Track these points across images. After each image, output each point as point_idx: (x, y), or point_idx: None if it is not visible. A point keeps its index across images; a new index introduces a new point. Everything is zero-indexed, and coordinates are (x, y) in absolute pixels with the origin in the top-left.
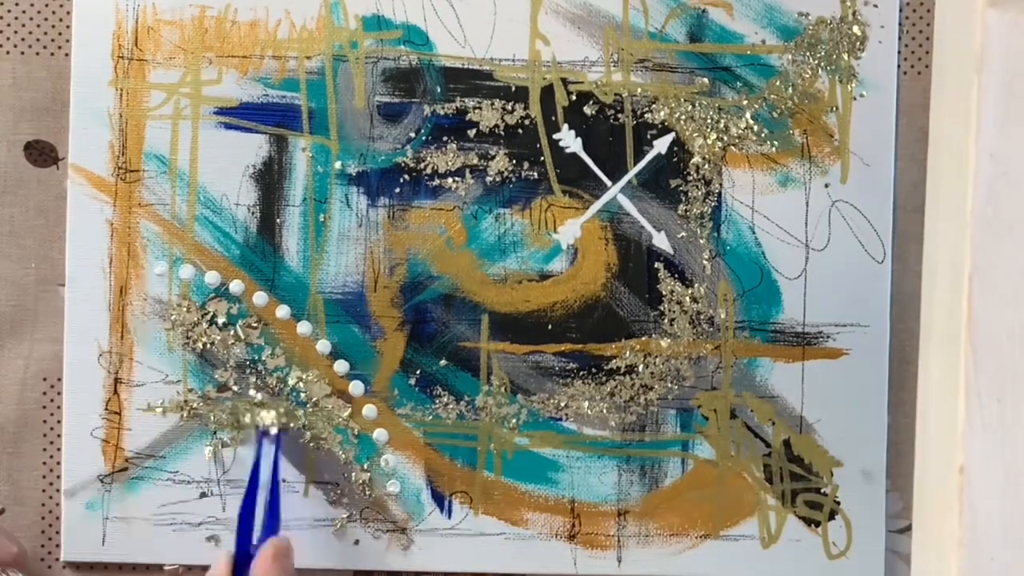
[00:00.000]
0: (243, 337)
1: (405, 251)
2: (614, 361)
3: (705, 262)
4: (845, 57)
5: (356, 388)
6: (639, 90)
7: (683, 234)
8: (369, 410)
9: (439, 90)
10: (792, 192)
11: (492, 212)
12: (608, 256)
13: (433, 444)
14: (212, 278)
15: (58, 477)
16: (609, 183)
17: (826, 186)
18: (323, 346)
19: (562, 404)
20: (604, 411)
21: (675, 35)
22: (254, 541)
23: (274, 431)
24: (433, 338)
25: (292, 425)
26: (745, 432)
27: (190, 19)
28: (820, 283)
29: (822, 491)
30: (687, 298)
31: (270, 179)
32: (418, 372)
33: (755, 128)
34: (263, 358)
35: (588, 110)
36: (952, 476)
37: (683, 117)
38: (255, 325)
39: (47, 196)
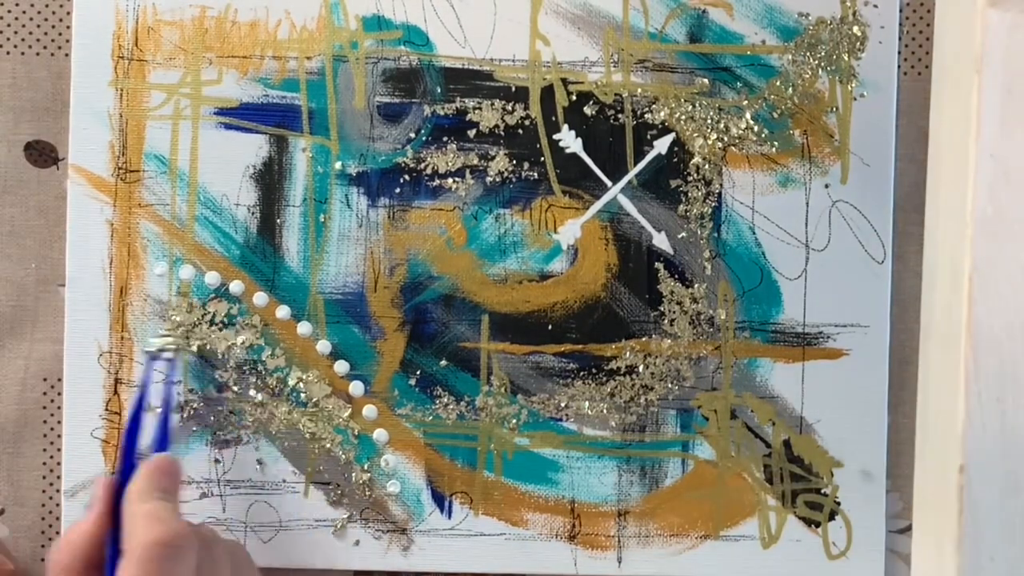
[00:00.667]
0: (243, 338)
1: (405, 251)
2: (614, 361)
3: (705, 262)
4: (845, 57)
5: (356, 388)
6: (639, 90)
7: (683, 234)
8: (369, 410)
9: (439, 90)
10: (792, 192)
11: (492, 212)
12: (608, 256)
13: (433, 444)
14: (212, 278)
15: (58, 477)
16: (609, 183)
17: (826, 186)
18: (323, 346)
19: (562, 404)
20: (604, 411)
21: (675, 35)
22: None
23: (167, 356)
24: (433, 338)
25: (182, 352)
26: (745, 432)
27: (190, 19)
28: (820, 283)
29: (822, 491)
30: (687, 298)
31: (270, 179)
32: (418, 372)
33: (755, 128)
34: (263, 358)
35: (588, 110)
36: (952, 476)
37: (683, 117)
38: (255, 325)
39: (47, 196)
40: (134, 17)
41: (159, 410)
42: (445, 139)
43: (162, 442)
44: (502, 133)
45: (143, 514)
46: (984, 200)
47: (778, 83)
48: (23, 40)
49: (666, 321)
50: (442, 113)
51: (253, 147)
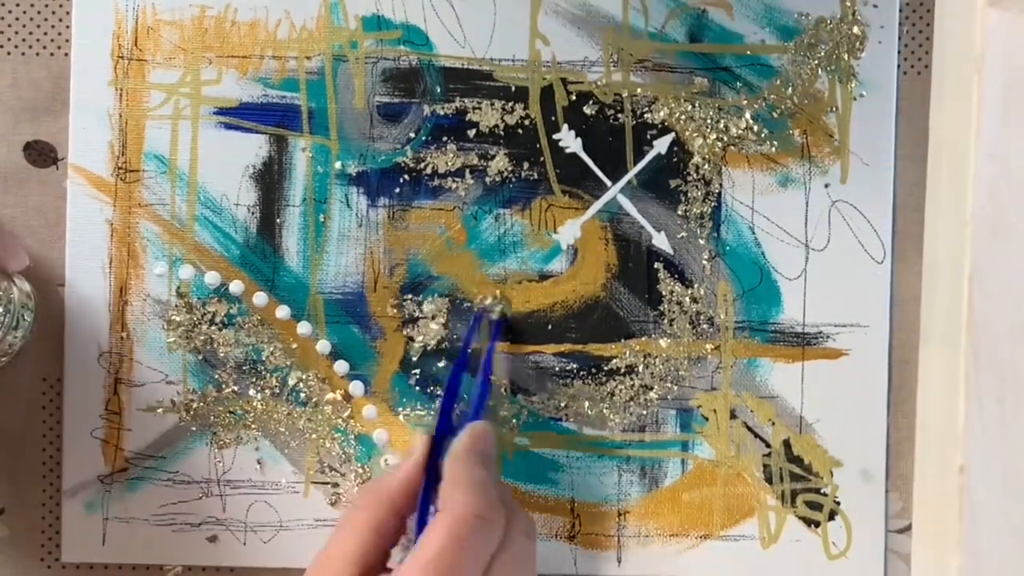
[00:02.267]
0: (243, 338)
1: (405, 251)
2: (614, 361)
3: (705, 262)
4: (845, 57)
5: (356, 388)
6: (639, 90)
7: (683, 234)
8: (369, 411)
9: (439, 90)
10: (792, 192)
11: (492, 212)
12: (608, 256)
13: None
14: (212, 278)
15: (58, 477)
16: (609, 183)
17: (826, 186)
18: (323, 346)
19: (562, 404)
20: (604, 411)
21: (675, 35)
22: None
23: (494, 317)
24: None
25: (508, 315)
26: (745, 432)
27: (190, 19)
28: (820, 283)
29: (822, 491)
30: (687, 298)
31: (270, 179)
32: (418, 372)
33: (755, 128)
34: (263, 358)
35: (588, 110)
36: (952, 476)
37: (683, 117)
38: (255, 325)
39: (47, 196)
40: (133, 17)
41: (478, 376)
42: (445, 139)
43: (478, 409)
44: (502, 133)
45: (467, 481)
46: (984, 200)
47: (778, 83)
48: (23, 40)
49: (666, 321)
50: (442, 113)
51: (253, 147)
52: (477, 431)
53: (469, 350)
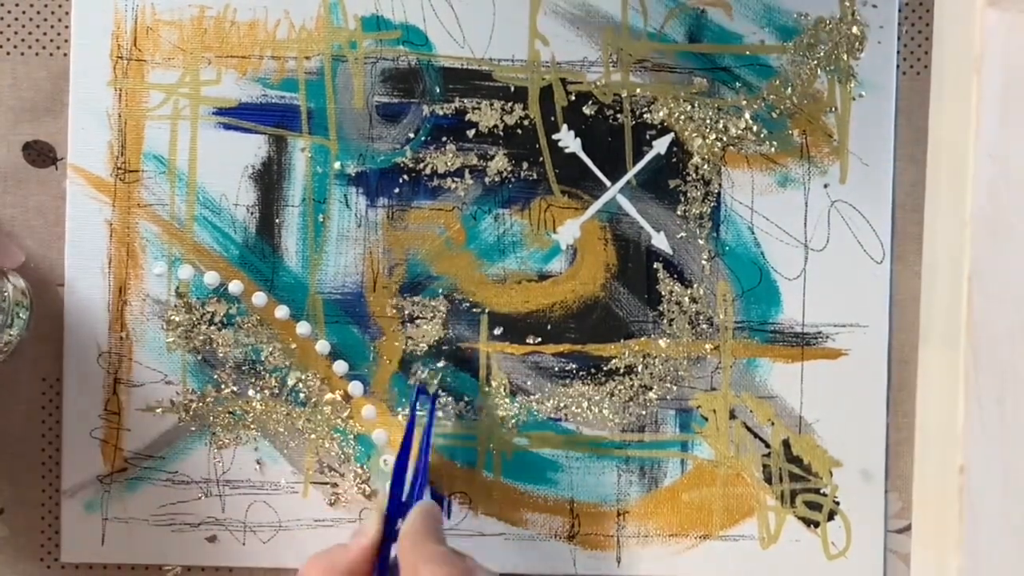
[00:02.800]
0: (242, 338)
1: (404, 251)
2: (613, 361)
3: (704, 262)
4: (844, 57)
5: (355, 388)
6: (638, 90)
7: (682, 234)
8: (368, 411)
9: (438, 90)
10: (791, 192)
11: (491, 212)
12: (607, 256)
13: (433, 444)
14: (211, 278)
15: (57, 477)
16: (608, 183)
17: (825, 186)
18: (322, 346)
19: (561, 404)
20: (603, 411)
21: (674, 35)
22: (403, 498)
23: (431, 391)
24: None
25: (442, 393)
26: (744, 432)
27: (189, 19)
28: (819, 283)
29: (821, 491)
30: (686, 298)
31: (269, 179)
32: (417, 372)
33: (754, 128)
34: (262, 358)
35: (587, 110)
36: (952, 476)
37: (682, 117)
38: (254, 326)
39: (46, 196)
40: (133, 17)
41: (420, 456)
42: (444, 139)
43: (422, 487)
44: (501, 133)
45: (429, 555)
46: (983, 200)
47: (777, 83)
48: (23, 40)
49: (665, 321)
50: (441, 113)
51: (252, 147)
52: (426, 509)
53: (413, 428)
